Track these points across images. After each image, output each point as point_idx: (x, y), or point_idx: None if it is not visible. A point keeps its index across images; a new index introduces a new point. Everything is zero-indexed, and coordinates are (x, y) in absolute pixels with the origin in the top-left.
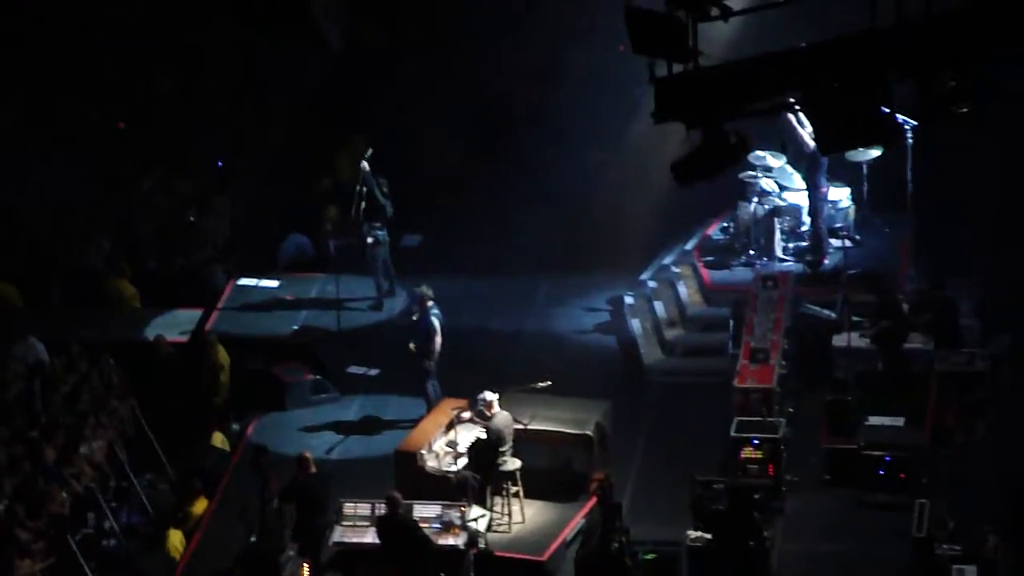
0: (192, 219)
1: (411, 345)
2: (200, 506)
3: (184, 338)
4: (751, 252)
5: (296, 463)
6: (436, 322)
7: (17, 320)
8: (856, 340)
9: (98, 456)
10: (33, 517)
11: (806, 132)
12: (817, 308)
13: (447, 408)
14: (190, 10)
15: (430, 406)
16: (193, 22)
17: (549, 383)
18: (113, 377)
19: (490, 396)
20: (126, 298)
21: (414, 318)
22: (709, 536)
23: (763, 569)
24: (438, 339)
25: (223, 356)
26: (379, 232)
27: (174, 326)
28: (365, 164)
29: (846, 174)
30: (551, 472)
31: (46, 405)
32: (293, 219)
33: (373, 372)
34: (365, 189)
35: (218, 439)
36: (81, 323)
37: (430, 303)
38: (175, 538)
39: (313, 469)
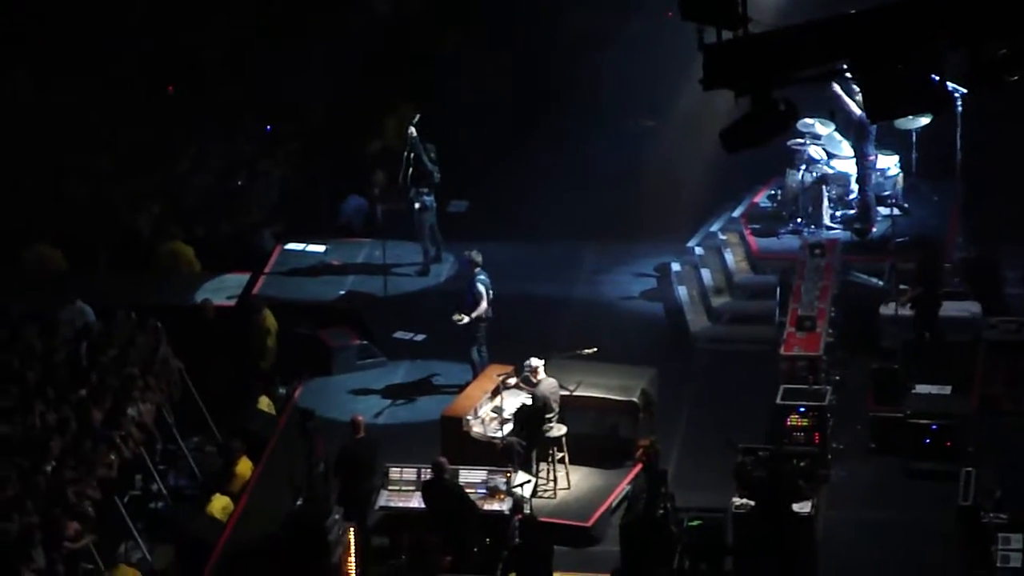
0: (240, 183)
1: (455, 316)
2: (244, 466)
3: (231, 302)
4: (799, 220)
5: (349, 426)
6: (482, 288)
7: (63, 284)
8: (903, 308)
9: (146, 419)
10: (81, 479)
11: (854, 100)
12: (864, 276)
13: (493, 374)
14: None
15: (476, 372)
16: None
17: (595, 349)
18: (161, 340)
19: (536, 362)
20: (185, 260)
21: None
22: (754, 503)
23: (808, 536)
24: (483, 304)
25: (270, 321)
26: (426, 198)
27: (223, 290)
28: (413, 130)
29: (895, 142)
30: (597, 438)
31: (94, 368)
32: (342, 184)
33: (419, 337)
34: (413, 155)
35: (264, 403)
36: (130, 287)
37: (477, 269)
38: (218, 503)
39: (362, 433)
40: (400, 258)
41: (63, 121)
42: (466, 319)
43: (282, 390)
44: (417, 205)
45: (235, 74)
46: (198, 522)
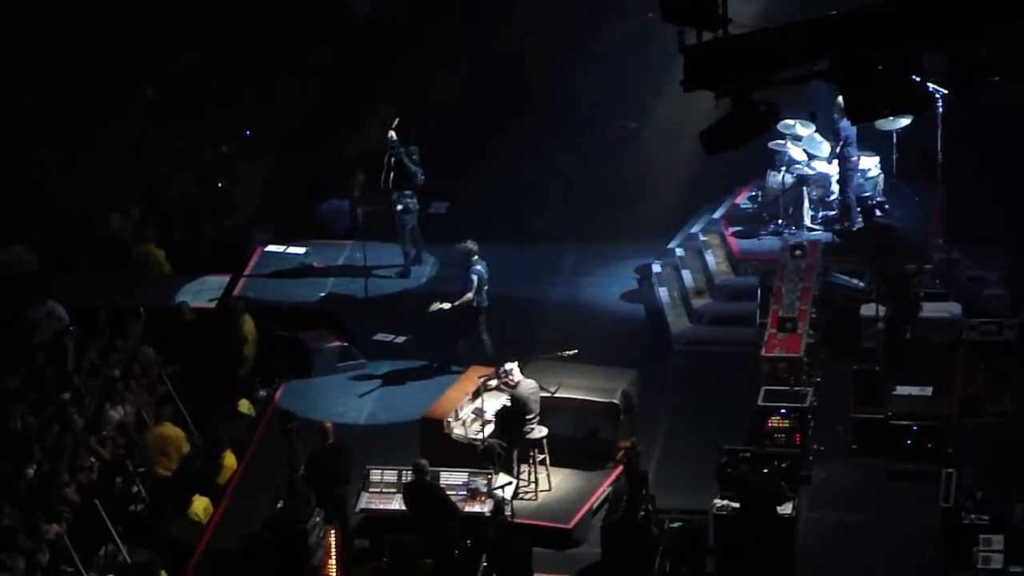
0: (220, 185)
1: (440, 305)
2: (230, 459)
3: (212, 304)
4: (779, 221)
5: (317, 433)
6: (474, 278)
7: (35, 284)
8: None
9: (127, 421)
10: (62, 482)
11: (835, 102)
12: (845, 277)
13: (474, 375)
14: None
15: (489, 355)
16: None
17: (576, 351)
18: (141, 343)
19: (510, 365)
20: (156, 264)
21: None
22: (736, 505)
23: (790, 538)
24: (469, 294)
25: (249, 327)
26: (409, 200)
27: (203, 292)
28: (392, 133)
29: (876, 143)
30: (578, 440)
31: (76, 370)
32: (322, 186)
33: (400, 339)
34: (393, 158)
35: (244, 406)
36: (110, 289)
37: (475, 257)
38: (199, 504)
39: (331, 439)
40: (381, 260)
41: (41, 121)
42: (446, 306)
43: (262, 392)
44: (399, 207)
45: (215, 76)
46: (178, 524)
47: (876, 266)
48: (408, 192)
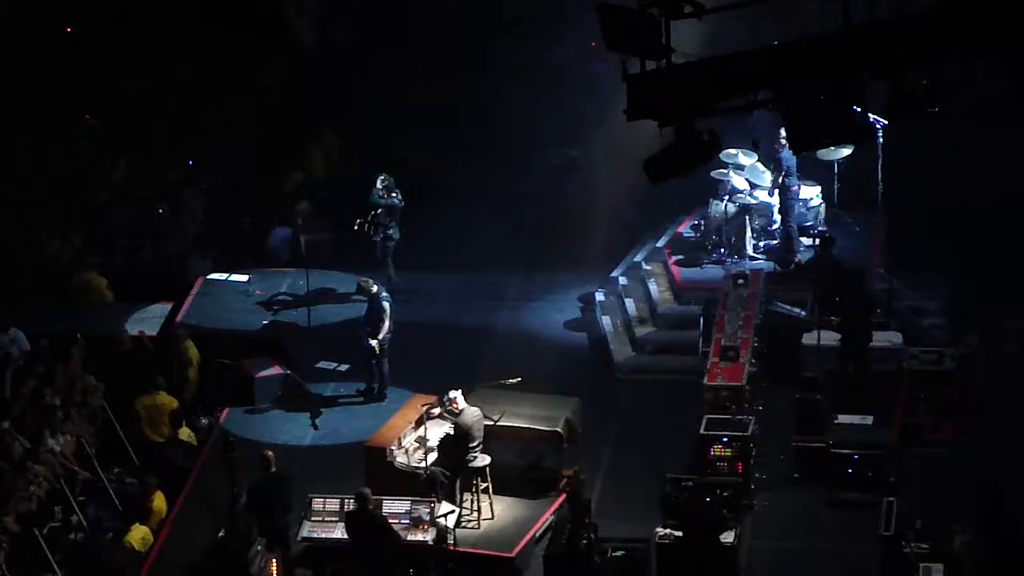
0: (161, 212)
1: (371, 343)
2: (159, 501)
3: (154, 332)
4: (722, 250)
5: (259, 462)
6: (386, 305)
7: None
8: (825, 339)
9: (67, 450)
10: (0, 511)
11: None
12: (787, 306)
13: (417, 404)
14: (161, 8)
15: (384, 386)
16: (164, 20)
17: (519, 379)
18: (82, 371)
19: (454, 393)
20: (97, 291)
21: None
22: (678, 533)
23: (732, 566)
24: (387, 323)
25: (192, 352)
26: (391, 230)
27: (148, 320)
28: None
29: (818, 172)
30: (520, 468)
31: (16, 398)
32: (266, 214)
33: (343, 367)
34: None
35: (184, 433)
36: (52, 316)
37: (375, 288)
38: (137, 534)
39: (273, 468)
40: (324, 287)
41: None
42: (374, 342)
43: (204, 420)
44: (380, 236)
45: (155, 102)
46: (118, 554)
47: (823, 296)
48: (391, 220)
